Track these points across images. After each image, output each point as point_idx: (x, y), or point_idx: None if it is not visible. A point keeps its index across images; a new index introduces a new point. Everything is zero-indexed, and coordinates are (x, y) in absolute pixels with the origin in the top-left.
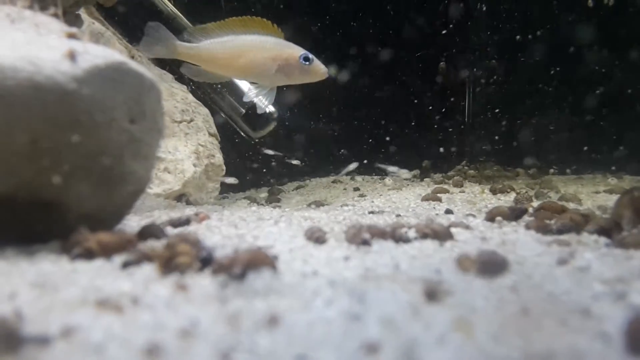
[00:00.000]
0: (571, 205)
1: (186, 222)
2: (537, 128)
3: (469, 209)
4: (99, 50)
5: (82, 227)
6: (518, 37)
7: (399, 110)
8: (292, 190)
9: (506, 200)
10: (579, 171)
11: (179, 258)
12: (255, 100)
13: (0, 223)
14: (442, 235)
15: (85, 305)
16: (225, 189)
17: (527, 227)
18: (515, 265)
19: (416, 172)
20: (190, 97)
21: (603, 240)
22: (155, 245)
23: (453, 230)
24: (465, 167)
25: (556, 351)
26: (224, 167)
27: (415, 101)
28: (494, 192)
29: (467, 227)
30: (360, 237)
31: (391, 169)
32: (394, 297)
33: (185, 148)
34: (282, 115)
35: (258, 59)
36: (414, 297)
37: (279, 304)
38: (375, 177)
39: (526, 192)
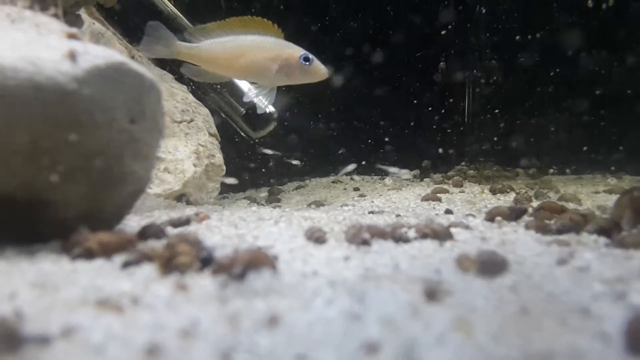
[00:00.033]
0: (571, 206)
1: (186, 222)
2: (537, 128)
3: (469, 209)
4: (99, 50)
5: (82, 227)
6: (517, 37)
7: (398, 110)
8: (292, 190)
9: (506, 200)
10: (578, 171)
11: (179, 258)
12: (255, 100)
13: (0, 223)
14: (441, 235)
15: (85, 305)
16: (225, 189)
17: (527, 227)
18: (515, 265)
19: (416, 172)
20: (191, 97)
21: (603, 240)
22: (155, 245)
23: (453, 230)
24: (465, 167)
25: (556, 351)
26: (224, 167)
27: (415, 101)
28: (493, 192)
29: (466, 227)
30: (360, 237)
31: (392, 169)
32: (394, 297)
33: (185, 148)
34: (282, 116)
35: (258, 59)
36: (413, 297)
37: (279, 304)
38: (375, 177)
39: (526, 192)
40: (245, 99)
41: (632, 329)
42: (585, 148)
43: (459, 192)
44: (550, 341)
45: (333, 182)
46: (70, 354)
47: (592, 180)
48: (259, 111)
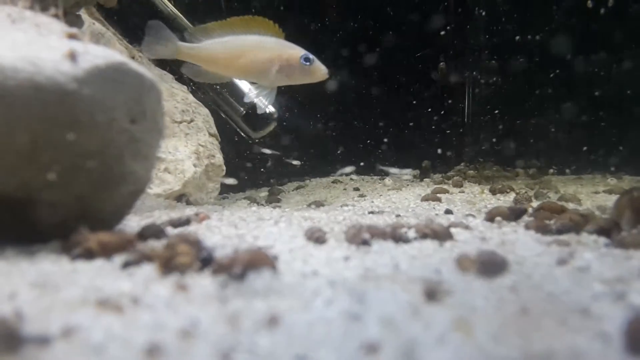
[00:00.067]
0: (571, 206)
1: (186, 222)
2: (537, 128)
3: (469, 209)
4: (99, 50)
5: (82, 227)
6: (517, 37)
7: (398, 110)
8: (292, 191)
9: (506, 200)
10: (578, 171)
11: (179, 258)
12: (256, 100)
13: (1, 223)
14: (441, 235)
15: (85, 305)
16: (225, 189)
17: (527, 227)
18: (515, 265)
19: (416, 172)
20: (191, 97)
21: (602, 240)
22: (155, 245)
23: (453, 230)
24: (465, 168)
25: (556, 351)
26: (224, 168)
27: (415, 102)
28: (493, 192)
29: (466, 227)
30: (360, 237)
31: (393, 170)
32: (394, 297)
33: (185, 148)
34: (282, 116)
35: (259, 59)
36: (413, 297)
37: (279, 304)
38: (375, 177)
39: (526, 192)
40: (246, 100)
41: (632, 329)
42: (585, 148)
43: (459, 192)
44: (550, 341)
45: (333, 182)
46: (70, 354)
47: (592, 181)
48: (259, 111)
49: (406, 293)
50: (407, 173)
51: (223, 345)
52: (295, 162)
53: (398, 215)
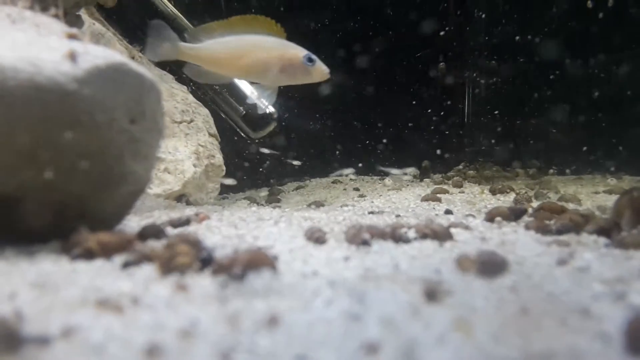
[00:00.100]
0: (571, 206)
1: (186, 222)
2: (537, 128)
3: (469, 209)
4: (99, 50)
5: (82, 227)
6: (517, 37)
7: (398, 110)
8: (292, 191)
9: (506, 200)
10: (578, 171)
11: (179, 258)
12: (256, 100)
13: (0, 223)
14: (441, 235)
15: (85, 306)
16: (225, 189)
17: (527, 227)
18: (515, 265)
19: (416, 172)
20: (191, 97)
21: (602, 240)
22: (155, 245)
23: (453, 230)
24: (465, 168)
25: (556, 351)
26: (224, 168)
27: (415, 102)
28: (493, 192)
29: (466, 227)
30: (360, 237)
31: (394, 171)
32: (394, 297)
33: (185, 148)
34: (282, 116)
35: (261, 59)
36: (413, 297)
37: (279, 304)
38: (375, 177)
39: (526, 192)
40: (249, 101)
41: (632, 329)
42: (585, 148)
43: (459, 192)
44: (551, 341)
45: (333, 182)
46: (70, 354)
47: (592, 181)
48: (259, 111)
49: (406, 293)
50: (411, 171)
51: (223, 345)
52: (296, 163)
53: (398, 216)
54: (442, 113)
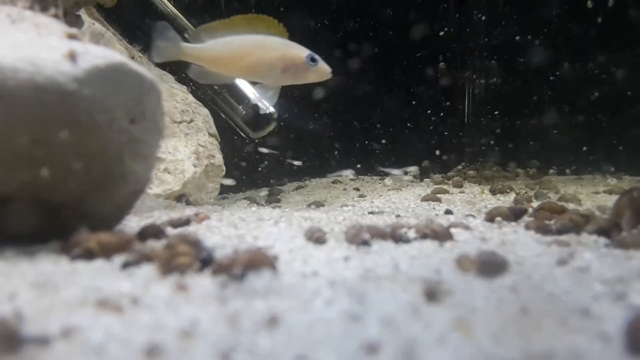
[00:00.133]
0: (571, 206)
1: (186, 222)
2: (537, 128)
3: (469, 209)
4: (99, 50)
5: (82, 227)
6: (517, 37)
7: (398, 111)
8: (292, 191)
9: (506, 200)
10: (578, 171)
11: (179, 258)
12: (258, 101)
13: (1, 223)
14: (441, 235)
15: (85, 306)
16: (225, 189)
17: (527, 227)
18: (515, 265)
19: (416, 172)
20: (191, 97)
21: (602, 240)
22: (155, 245)
23: (453, 230)
24: (465, 168)
25: (556, 351)
26: (224, 168)
27: (415, 102)
28: (493, 192)
29: (466, 227)
30: (360, 237)
31: (395, 172)
32: (394, 297)
33: (185, 148)
34: (282, 116)
35: (264, 59)
36: (413, 297)
37: (279, 304)
38: (375, 177)
39: (526, 192)
40: (250, 101)
41: (632, 329)
42: (585, 148)
43: (459, 192)
44: (551, 341)
45: (333, 182)
46: (70, 354)
47: (592, 181)
48: (260, 111)
49: (406, 293)
50: (413, 171)
51: (223, 346)
52: (296, 163)
53: (398, 216)
54: (442, 113)
